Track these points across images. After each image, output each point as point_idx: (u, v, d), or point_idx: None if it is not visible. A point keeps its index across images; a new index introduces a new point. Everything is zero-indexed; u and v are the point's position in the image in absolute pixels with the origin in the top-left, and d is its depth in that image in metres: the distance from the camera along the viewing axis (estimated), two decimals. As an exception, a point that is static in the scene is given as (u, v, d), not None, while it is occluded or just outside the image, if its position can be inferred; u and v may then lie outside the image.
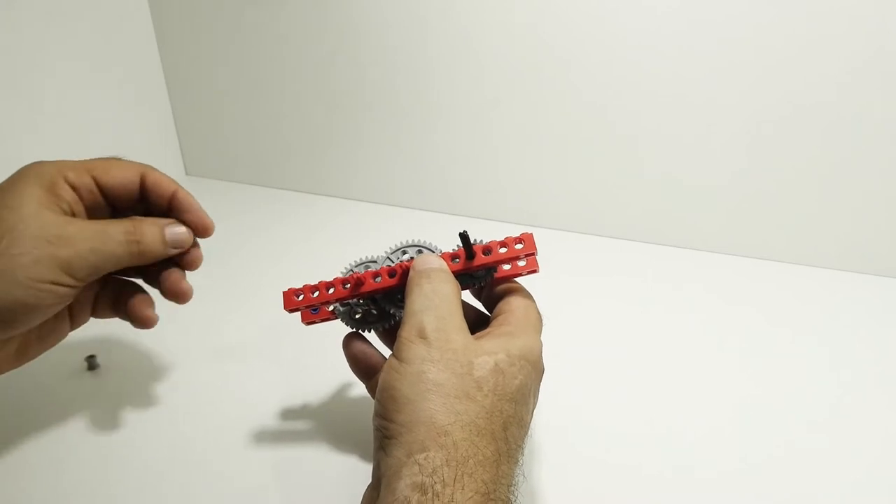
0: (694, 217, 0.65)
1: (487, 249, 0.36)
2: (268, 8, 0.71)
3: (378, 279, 0.36)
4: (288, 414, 0.45)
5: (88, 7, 0.66)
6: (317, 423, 0.44)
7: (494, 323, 0.35)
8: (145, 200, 0.39)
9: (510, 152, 0.68)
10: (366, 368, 0.38)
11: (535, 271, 0.37)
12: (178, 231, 0.38)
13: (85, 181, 0.36)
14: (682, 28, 0.58)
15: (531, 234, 0.36)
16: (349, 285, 0.36)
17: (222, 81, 0.78)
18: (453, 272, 0.35)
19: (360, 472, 0.40)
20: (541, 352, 0.34)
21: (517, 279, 0.38)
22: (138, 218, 0.37)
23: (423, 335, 0.31)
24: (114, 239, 0.35)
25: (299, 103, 0.75)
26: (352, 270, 0.39)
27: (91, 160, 0.37)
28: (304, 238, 0.70)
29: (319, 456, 0.41)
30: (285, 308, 0.38)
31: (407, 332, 0.32)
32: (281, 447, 0.42)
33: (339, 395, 0.47)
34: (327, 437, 0.43)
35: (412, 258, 0.36)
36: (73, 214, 0.36)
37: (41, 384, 0.47)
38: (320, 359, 0.50)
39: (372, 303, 0.38)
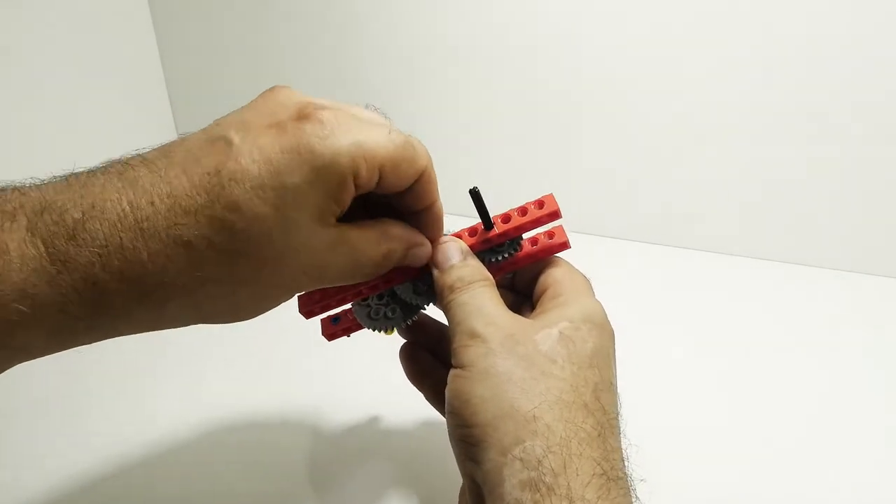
0: (693, 217, 0.65)
1: (506, 218, 0.32)
2: (269, 7, 0.70)
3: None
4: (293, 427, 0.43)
5: (89, 7, 0.66)
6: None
7: (543, 300, 0.31)
8: (400, 195, 0.30)
9: (518, 151, 0.68)
10: (420, 372, 0.36)
11: (566, 246, 0.33)
12: (419, 255, 0.31)
13: (372, 180, 0.27)
14: (682, 28, 0.57)
15: (552, 194, 0.32)
16: None
17: (223, 81, 0.76)
18: (473, 248, 0.32)
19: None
20: (604, 312, 0.30)
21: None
22: (391, 229, 0.30)
23: (474, 335, 0.28)
24: (363, 269, 0.29)
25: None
26: None
27: (389, 141, 0.27)
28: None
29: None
30: (301, 311, 0.33)
31: (458, 341, 0.29)
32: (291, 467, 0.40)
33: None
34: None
35: None
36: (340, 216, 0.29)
37: (40, 384, 0.47)
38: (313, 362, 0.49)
39: (391, 299, 0.34)
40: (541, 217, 0.32)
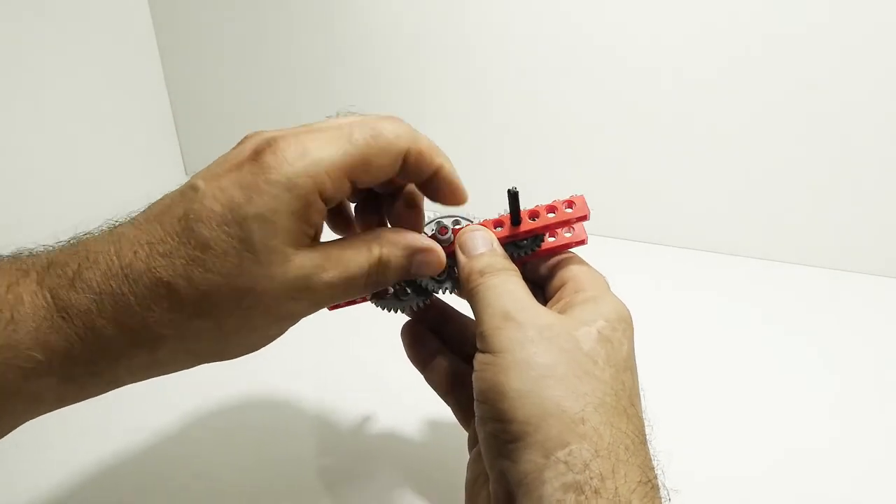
0: (693, 217, 0.64)
1: (534, 214, 0.32)
2: (269, 8, 0.70)
3: None
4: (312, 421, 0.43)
5: (89, 8, 0.66)
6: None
7: (563, 293, 0.30)
8: (400, 174, 0.30)
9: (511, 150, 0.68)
10: (425, 355, 0.35)
11: (583, 242, 0.33)
12: (428, 262, 0.31)
13: (342, 189, 0.27)
14: (692, 31, 0.57)
15: (583, 195, 0.32)
16: None
17: (223, 81, 0.76)
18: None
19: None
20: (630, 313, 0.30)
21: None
22: (383, 234, 0.30)
23: (508, 318, 0.27)
24: (356, 282, 0.29)
25: (302, 104, 0.74)
26: None
27: (350, 145, 0.27)
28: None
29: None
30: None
31: (489, 323, 0.28)
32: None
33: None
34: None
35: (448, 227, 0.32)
36: (316, 234, 0.29)
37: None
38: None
39: (405, 280, 0.33)
40: (570, 219, 0.32)
